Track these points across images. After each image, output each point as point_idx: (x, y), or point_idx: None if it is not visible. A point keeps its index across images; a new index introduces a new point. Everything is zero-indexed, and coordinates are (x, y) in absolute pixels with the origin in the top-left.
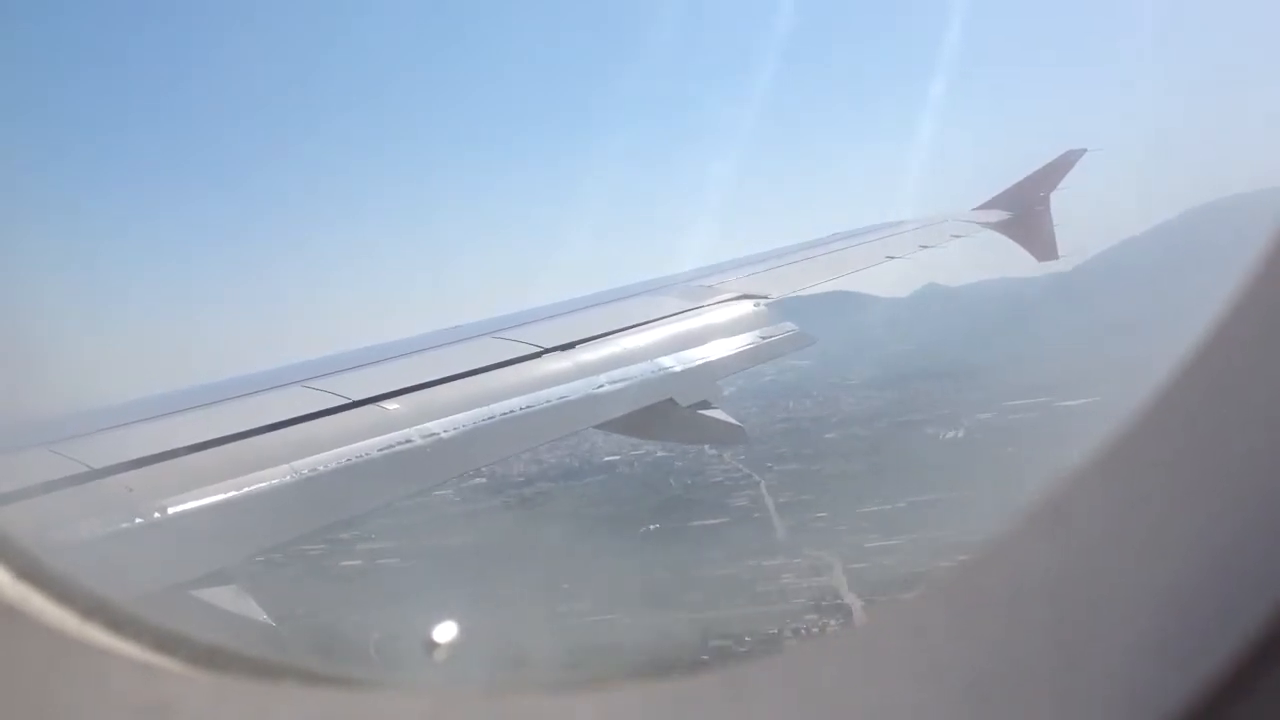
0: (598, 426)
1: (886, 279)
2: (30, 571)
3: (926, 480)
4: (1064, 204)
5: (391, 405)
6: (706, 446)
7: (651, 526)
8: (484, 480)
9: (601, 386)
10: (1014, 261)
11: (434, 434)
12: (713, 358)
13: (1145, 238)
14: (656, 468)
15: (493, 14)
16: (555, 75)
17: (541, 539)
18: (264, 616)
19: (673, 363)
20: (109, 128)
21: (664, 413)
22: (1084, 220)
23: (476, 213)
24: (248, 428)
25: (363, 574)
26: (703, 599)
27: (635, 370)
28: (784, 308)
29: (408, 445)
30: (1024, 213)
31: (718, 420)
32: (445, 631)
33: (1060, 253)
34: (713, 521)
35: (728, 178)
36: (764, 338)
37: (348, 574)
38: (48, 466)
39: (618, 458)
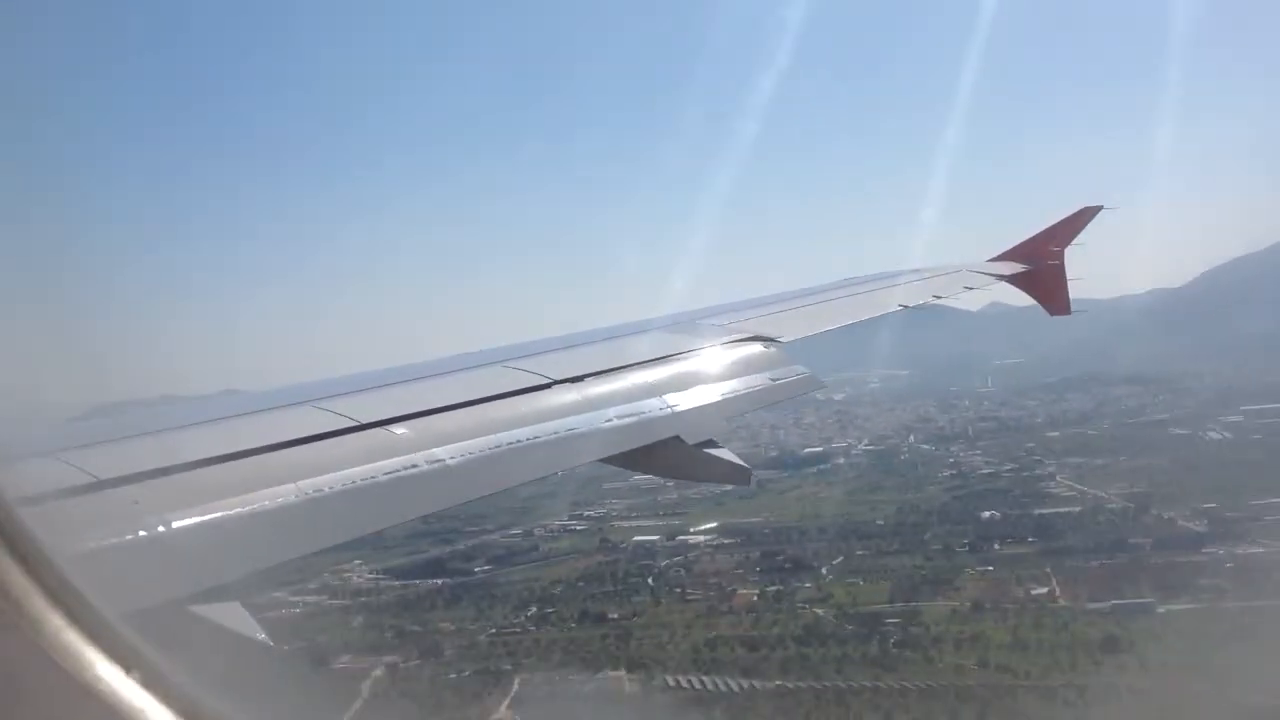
0: (603, 460)
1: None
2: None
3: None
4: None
5: (399, 430)
6: (911, 437)
7: (991, 513)
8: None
9: (609, 421)
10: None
11: (440, 460)
12: (721, 397)
13: (1257, 257)
14: (878, 459)
15: (530, 51)
16: (578, 103)
17: (869, 517)
18: (263, 635)
19: (681, 400)
20: (130, 128)
21: (670, 449)
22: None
23: (492, 241)
24: (256, 445)
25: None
26: (1236, 590)
27: (643, 406)
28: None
29: (413, 470)
30: (1038, 266)
31: (723, 460)
32: None
33: (1073, 309)
34: (1065, 510)
35: (740, 215)
36: (774, 379)
37: None
38: (55, 475)
39: (817, 450)
